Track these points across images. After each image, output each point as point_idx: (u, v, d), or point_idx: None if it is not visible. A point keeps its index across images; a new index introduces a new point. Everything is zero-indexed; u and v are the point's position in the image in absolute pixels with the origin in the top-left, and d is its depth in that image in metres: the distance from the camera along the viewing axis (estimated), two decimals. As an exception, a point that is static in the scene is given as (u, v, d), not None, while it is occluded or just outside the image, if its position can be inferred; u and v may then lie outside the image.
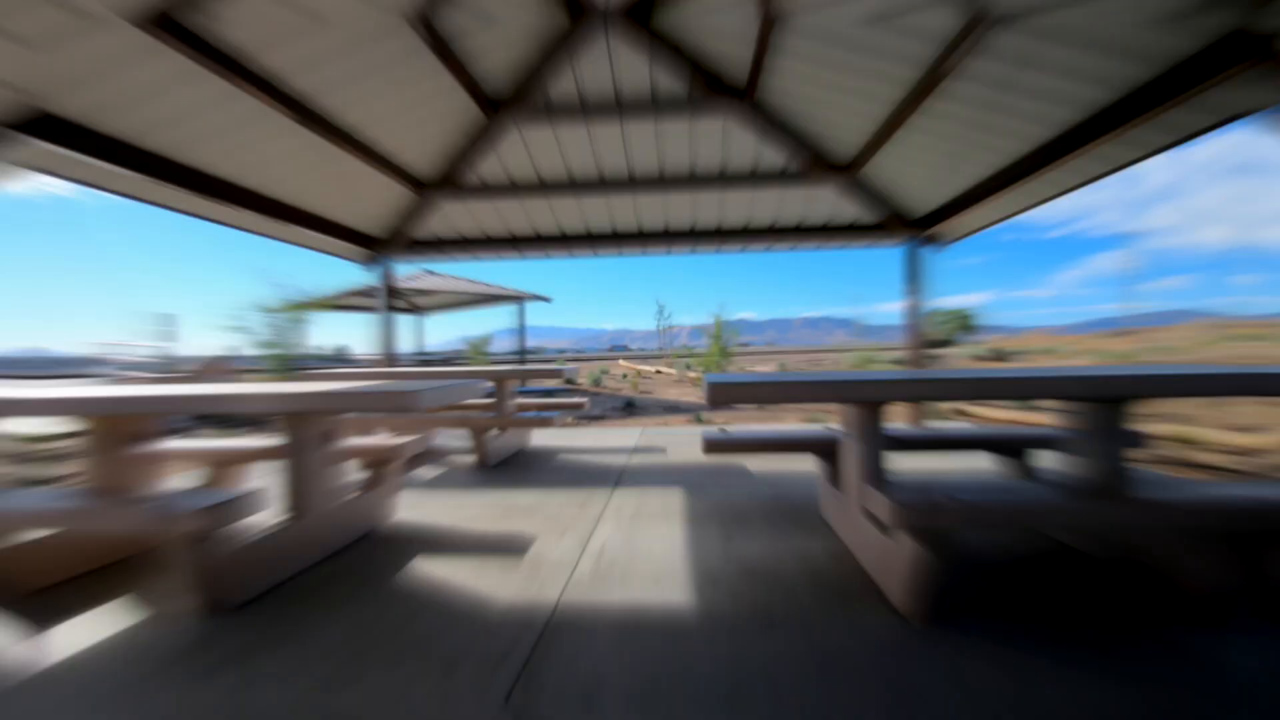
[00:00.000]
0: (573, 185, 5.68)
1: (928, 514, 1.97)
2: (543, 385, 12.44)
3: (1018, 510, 2.01)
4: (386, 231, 6.10)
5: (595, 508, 3.34)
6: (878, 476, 2.40)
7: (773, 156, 5.45)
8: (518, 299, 14.89)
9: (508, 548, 2.74)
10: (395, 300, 15.76)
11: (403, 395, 2.35)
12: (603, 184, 5.67)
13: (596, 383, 14.59)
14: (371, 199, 5.57)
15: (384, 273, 6.15)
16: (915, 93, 3.83)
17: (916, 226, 5.81)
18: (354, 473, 3.12)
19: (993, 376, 2.16)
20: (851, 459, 2.53)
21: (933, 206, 5.57)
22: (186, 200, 4.41)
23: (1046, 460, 3.18)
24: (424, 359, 14.46)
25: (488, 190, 5.66)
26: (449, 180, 5.51)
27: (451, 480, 4.10)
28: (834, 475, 3.00)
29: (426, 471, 4.37)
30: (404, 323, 17.18)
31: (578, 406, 5.45)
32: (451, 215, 6.22)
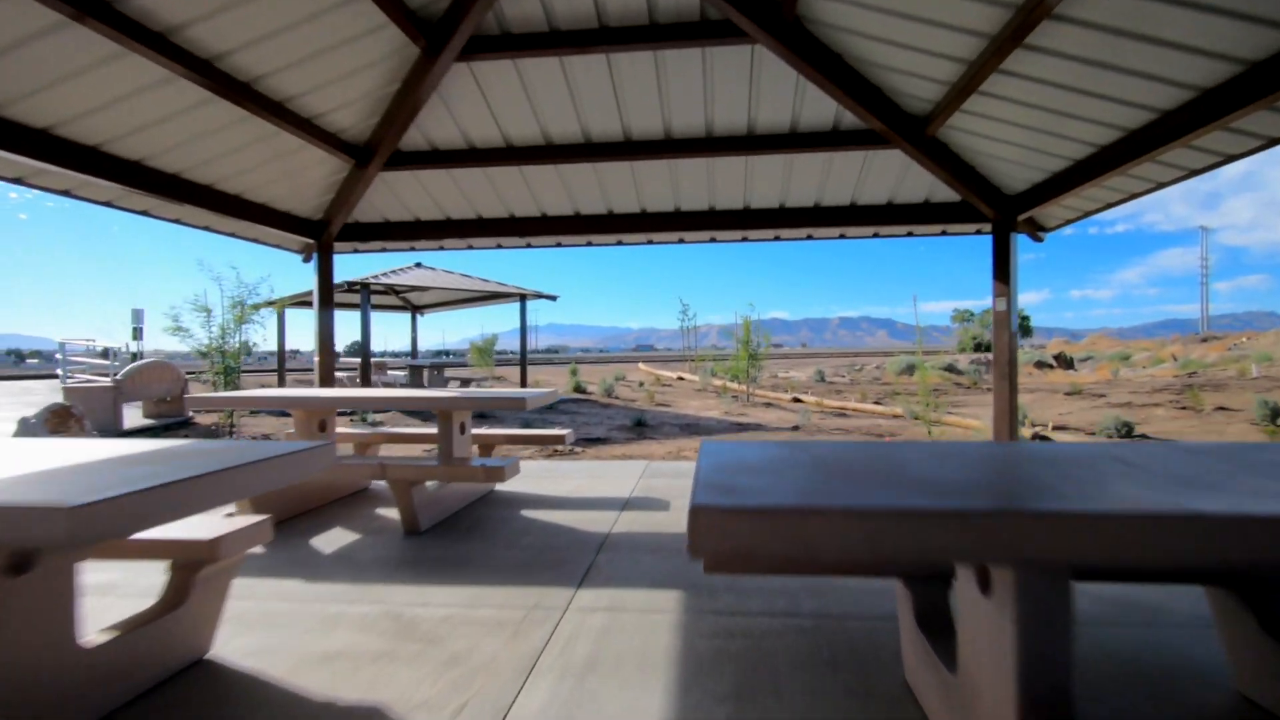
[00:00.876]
0: (551, 149, 4.40)
1: None
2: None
3: None
4: (324, 214, 4.95)
5: (536, 633, 2.12)
6: (1064, 704, 1.10)
7: (819, 108, 4.08)
8: (520, 296, 13.69)
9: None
10: (386, 297, 14.86)
11: (29, 517, 1.14)
12: (590, 148, 4.37)
13: (609, 392, 13.29)
14: (302, 176, 4.44)
15: (322, 263, 4.97)
16: (1013, 24, 2.79)
17: (1008, 208, 4.41)
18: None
19: None
20: (991, 643, 1.21)
21: (1029, 184, 4.19)
22: (98, 189, 3.82)
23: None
24: (413, 364, 13.32)
25: (441, 157, 4.43)
26: (391, 145, 4.32)
27: (355, 558, 2.91)
28: (931, 620, 1.71)
29: (334, 537, 3.19)
30: (402, 321, 16.28)
31: (557, 440, 4.24)
32: (402, 193, 5.02)
